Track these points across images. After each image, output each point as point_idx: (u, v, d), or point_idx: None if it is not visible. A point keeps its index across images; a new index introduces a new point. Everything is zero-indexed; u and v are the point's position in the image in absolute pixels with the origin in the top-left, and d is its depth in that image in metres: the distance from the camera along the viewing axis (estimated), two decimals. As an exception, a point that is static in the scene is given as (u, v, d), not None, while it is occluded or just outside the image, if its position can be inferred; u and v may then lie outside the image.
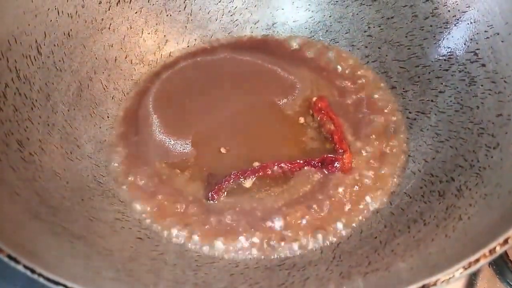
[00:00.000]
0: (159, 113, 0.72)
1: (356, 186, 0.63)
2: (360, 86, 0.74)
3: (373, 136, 0.68)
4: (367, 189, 0.63)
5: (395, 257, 0.51)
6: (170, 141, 0.69)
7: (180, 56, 0.79)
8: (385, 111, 0.70)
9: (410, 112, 0.69)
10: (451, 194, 0.56)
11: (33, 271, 0.42)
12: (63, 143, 0.63)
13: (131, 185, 0.65)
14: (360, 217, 0.61)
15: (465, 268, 0.41)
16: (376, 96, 0.72)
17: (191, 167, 0.66)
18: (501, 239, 0.42)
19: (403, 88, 0.72)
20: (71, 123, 0.66)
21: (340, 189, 0.63)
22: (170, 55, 0.79)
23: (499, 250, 0.42)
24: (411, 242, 0.52)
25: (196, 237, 0.60)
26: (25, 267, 0.42)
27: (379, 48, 0.76)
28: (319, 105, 0.70)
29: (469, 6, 0.66)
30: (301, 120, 0.71)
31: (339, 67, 0.76)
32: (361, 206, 0.61)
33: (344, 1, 0.78)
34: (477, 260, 0.41)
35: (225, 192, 0.63)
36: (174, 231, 0.60)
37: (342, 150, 0.65)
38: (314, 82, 0.75)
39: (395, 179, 0.64)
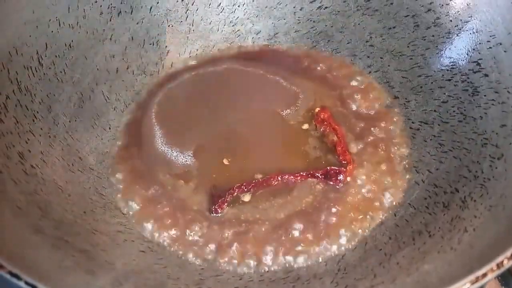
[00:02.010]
0: (161, 124, 0.72)
1: (359, 197, 0.62)
2: (363, 96, 0.73)
3: (376, 146, 0.67)
4: (370, 200, 0.62)
5: (400, 270, 0.50)
6: (173, 152, 0.69)
7: (181, 67, 0.79)
8: (388, 121, 0.70)
9: (413, 122, 0.69)
10: (456, 205, 0.56)
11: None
12: (65, 155, 0.63)
13: (134, 197, 0.64)
14: (364, 229, 0.60)
15: (472, 283, 0.40)
16: (378, 106, 0.72)
17: (194, 178, 0.66)
18: (508, 253, 0.41)
19: (406, 98, 0.72)
20: (72, 134, 0.65)
21: (344, 201, 0.62)
22: (171, 65, 0.78)
23: (507, 264, 0.41)
24: (416, 254, 0.52)
25: (199, 250, 0.59)
26: (27, 283, 0.41)
27: (381, 58, 0.76)
28: (322, 116, 0.69)
29: (471, 16, 0.66)
30: (305, 126, 0.70)
31: (341, 77, 0.76)
32: (365, 218, 0.61)
33: (346, 11, 0.78)
34: (484, 275, 0.41)
35: (228, 204, 0.63)
36: (177, 244, 0.60)
37: (346, 162, 0.65)
38: (317, 92, 0.74)
39: (399, 190, 0.63)
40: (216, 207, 0.62)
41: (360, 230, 0.60)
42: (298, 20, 0.81)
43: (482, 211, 0.51)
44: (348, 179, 0.64)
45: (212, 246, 0.59)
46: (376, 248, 0.57)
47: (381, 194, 0.63)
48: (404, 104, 0.71)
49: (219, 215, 0.62)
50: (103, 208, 0.62)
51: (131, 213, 0.63)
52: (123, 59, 0.74)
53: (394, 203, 0.62)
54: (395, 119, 0.70)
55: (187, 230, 0.61)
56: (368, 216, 0.61)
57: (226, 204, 0.62)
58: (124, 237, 0.59)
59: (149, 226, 0.61)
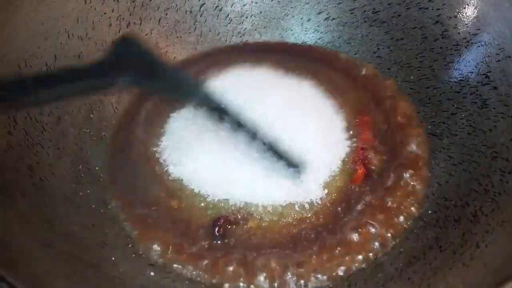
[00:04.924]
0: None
1: (367, 210, 0.61)
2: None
3: (385, 159, 0.67)
4: (378, 213, 0.61)
5: (412, 286, 0.50)
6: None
7: (189, 77, 0.78)
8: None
9: (421, 134, 0.69)
10: (467, 220, 0.55)
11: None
12: (74, 167, 0.63)
13: (135, 211, 0.62)
14: (373, 243, 0.58)
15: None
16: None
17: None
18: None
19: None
20: (81, 146, 0.65)
21: (352, 214, 0.61)
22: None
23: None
24: (427, 270, 0.51)
25: (206, 267, 0.57)
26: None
27: (388, 69, 0.75)
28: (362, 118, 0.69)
29: (479, 29, 0.66)
30: None
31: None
32: (373, 231, 0.60)
33: (353, 23, 0.78)
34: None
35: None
36: (183, 258, 0.58)
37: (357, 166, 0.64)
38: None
39: (408, 202, 0.62)
40: (218, 232, 0.59)
41: (368, 244, 0.58)
42: (306, 31, 0.81)
43: (494, 226, 0.51)
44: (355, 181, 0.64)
45: (218, 264, 0.57)
46: (386, 262, 0.56)
47: (389, 207, 0.61)
48: (412, 115, 0.71)
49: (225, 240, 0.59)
50: (111, 220, 0.61)
51: (134, 226, 0.61)
52: (131, 70, 0.74)
53: (403, 215, 0.61)
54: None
55: (195, 248, 0.58)
56: (376, 230, 0.59)
57: (229, 226, 0.60)
58: (133, 251, 0.58)
59: (154, 244, 0.59)
